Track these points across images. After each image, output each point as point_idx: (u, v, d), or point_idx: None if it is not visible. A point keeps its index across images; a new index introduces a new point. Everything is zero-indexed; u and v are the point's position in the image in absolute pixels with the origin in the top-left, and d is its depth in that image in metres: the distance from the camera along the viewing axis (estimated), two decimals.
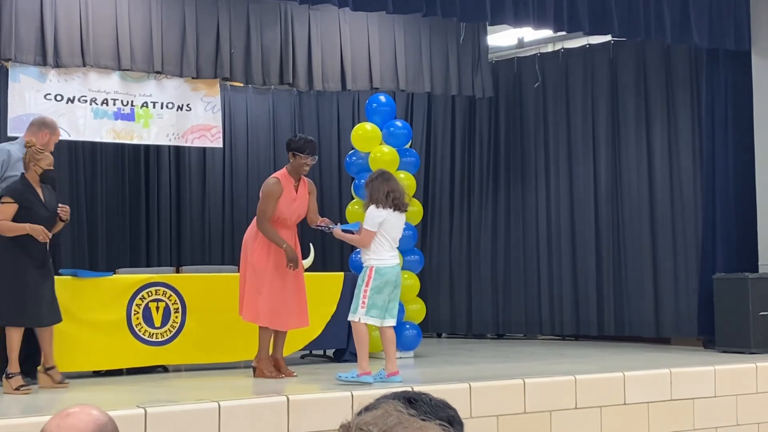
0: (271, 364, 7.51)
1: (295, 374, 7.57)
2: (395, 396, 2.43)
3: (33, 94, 8.59)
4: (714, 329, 9.40)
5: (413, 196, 9.63)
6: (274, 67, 9.30)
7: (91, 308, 7.66)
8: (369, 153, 9.36)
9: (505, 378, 7.05)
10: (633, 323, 10.64)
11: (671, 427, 7.40)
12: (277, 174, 7.66)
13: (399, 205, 7.07)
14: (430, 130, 12.08)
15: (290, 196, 7.52)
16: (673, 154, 10.45)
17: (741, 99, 9.60)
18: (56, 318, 6.83)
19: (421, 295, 9.66)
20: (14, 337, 6.62)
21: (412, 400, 2.42)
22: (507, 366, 8.46)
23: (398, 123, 9.60)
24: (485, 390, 6.73)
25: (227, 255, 11.62)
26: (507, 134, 11.69)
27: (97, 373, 7.61)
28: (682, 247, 10.34)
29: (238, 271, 8.03)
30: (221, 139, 9.75)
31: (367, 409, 1.71)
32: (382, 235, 7.02)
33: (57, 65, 8.49)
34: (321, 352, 9.08)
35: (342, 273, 9.02)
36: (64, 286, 7.64)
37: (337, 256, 11.77)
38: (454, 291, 11.79)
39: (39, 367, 6.84)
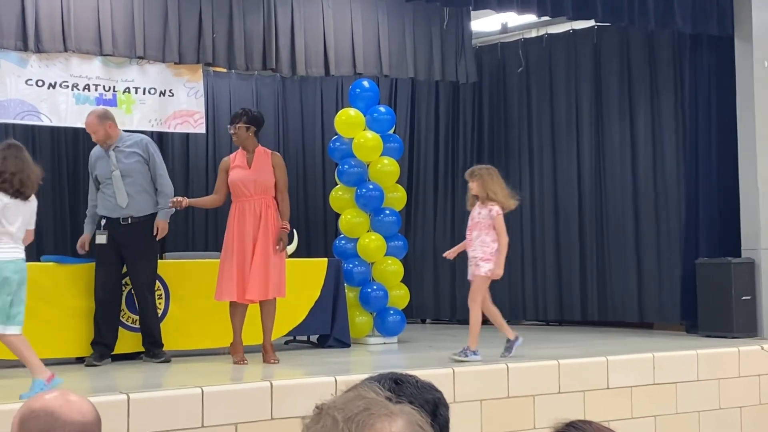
0: (239, 350, 7.49)
1: (273, 361, 7.49)
2: (381, 378, 2.43)
3: (14, 79, 8.52)
4: (697, 314, 9.45)
5: (397, 182, 9.64)
6: (257, 52, 9.25)
7: (74, 295, 7.63)
8: (353, 138, 9.34)
9: (489, 363, 7.07)
10: (616, 308, 10.68)
11: (654, 411, 7.43)
12: (233, 152, 7.84)
13: (22, 191, 5.99)
14: (414, 115, 12.07)
15: (240, 167, 7.60)
16: (657, 139, 10.46)
17: (724, 83, 9.62)
18: None
19: (405, 280, 9.66)
20: None
21: (399, 382, 2.43)
22: (490, 351, 8.46)
23: (382, 108, 9.58)
24: (469, 375, 6.75)
25: (210, 241, 11.58)
26: (491, 119, 11.69)
27: (81, 360, 7.57)
28: (665, 232, 10.36)
29: None
30: (204, 125, 9.70)
31: (348, 391, 1.70)
32: (2, 224, 5.92)
33: (38, 50, 8.42)
34: (305, 338, 9.07)
35: (326, 259, 9.02)
36: (47, 272, 7.62)
37: (321, 242, 11.75)
38: (438, 276, 11.79)
39: None
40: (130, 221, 7.61)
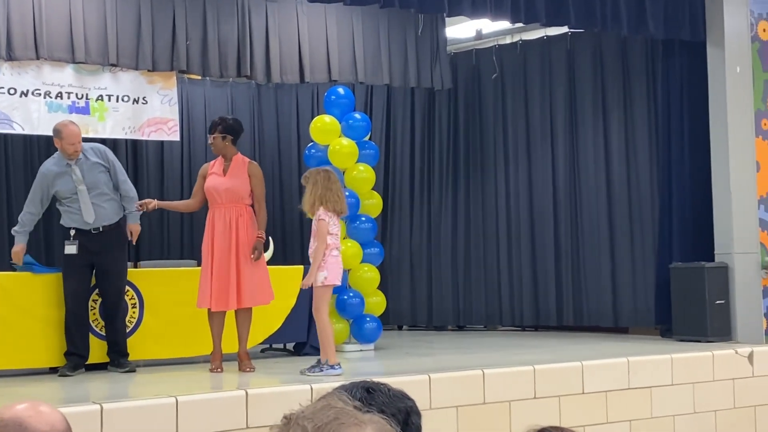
0: (216, 359, 7.49)
1: (249, 369, 7.47)
2: (353, 386, 2.42)
3: None
4: (671, 318, 9.50)
5: (373, 189, 9.64)
6: (231, 59, 9.23)
7: (47, 304, 7.57)
8: (328, 146, 9.33)
9: (465, 369, 7.07)
10: (591, 313, 10.71)
11: (629, 416, 7.45)
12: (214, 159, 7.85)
13: None
14: (390, 122, 12.07)
15: (216, 174, 7.64)
16: (630, 145, 10.51)
17: (696, 89, 9.67)
18: None
19: (382, 287, 9.65)
20: None
21: (370, 390, 2.41)
22: (467, 357, 8.48)
23: (357, 115, 9.58)
24: (445, 381, 6.74)
25: (186, 249, 11.53)
26: (466, 126, 11.71)
27: (54, 370, 7.52)
28: (639, 237, 10.41)
29: (198, 265, 8.02)
30: (178, 133, 9.66)
31: (318, 400, 1.69)
32: None
33: (10, 58, 8.36)
34: (281, 346, 9.05)
35: (302, 266, 8.98)
36: (20, 281, 7.57)
37: (298, 249, 11.72)
38: (415, 283, 11.80)
39: None
40: (101, 229, 7.56)
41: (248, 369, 7.46)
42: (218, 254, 7.43)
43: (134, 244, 7.73)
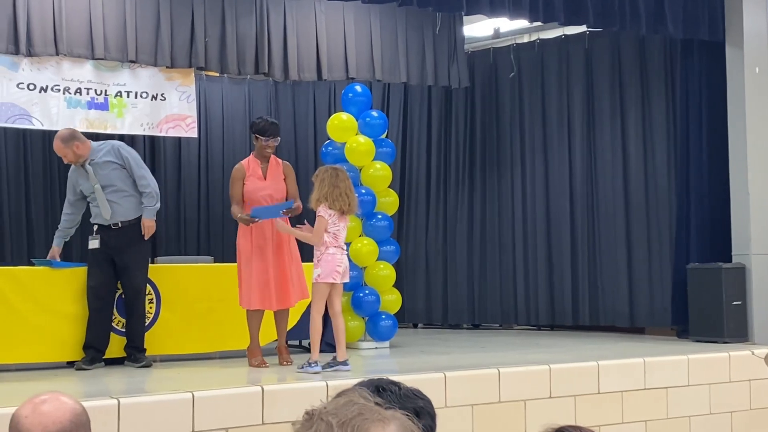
0: (257, 354, 7.55)
1: (288, 363, 7.58)
2: (367, 384, 2.42)
3: (5, 83, 8.51)
4: (688, 319, 9.46)
5: (389, 187, 9.64)
6: (249, 56, 9.25)
7: (65, 299, 7.62)
8: (345, 143, 9.34)
9: (480, 367, 7.07)
10: (607, 313, 10.69)
11: (645, 416, 7.44)
12: (244, 159, 7.76)
13: None
14: (406, 120, 12.07)
15: (256, 177, 7.59)
16: (648, 145, 10.49)
17: (715, 89, 9.64)
18: None
19: (397, 285, 9.66)
20: None
21: (381, 389, 2.40)
22: (482, 356, 8.47)
23: (374, 113, 9.59)
24: (460, 379, 6.74)
25: (203, 245, 11.58)
26: (483, 125, 11.70)
27: (71, 364, 7.56)
28: (656, 237, 10.39)
29: (215, 262, 8.06)
30: (196, 129, 9.69)
31: (338, 396, 1.70)
32: None
33: (29, 54, 8.41)
34: (297, 343, 9.06)
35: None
36: (38, 276, 7.61)
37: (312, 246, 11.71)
38: (430, 281, 11.80)
39: None
40: (120, 225, 7.61)
41: (287, 362, 7.58)
42: (264, 255, 7.46)
43: (146, 239, 7.72)
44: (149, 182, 7.75)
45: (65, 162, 7.75)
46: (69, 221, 7.90)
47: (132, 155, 7.79)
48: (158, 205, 7.74)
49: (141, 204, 7.71)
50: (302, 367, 7.04)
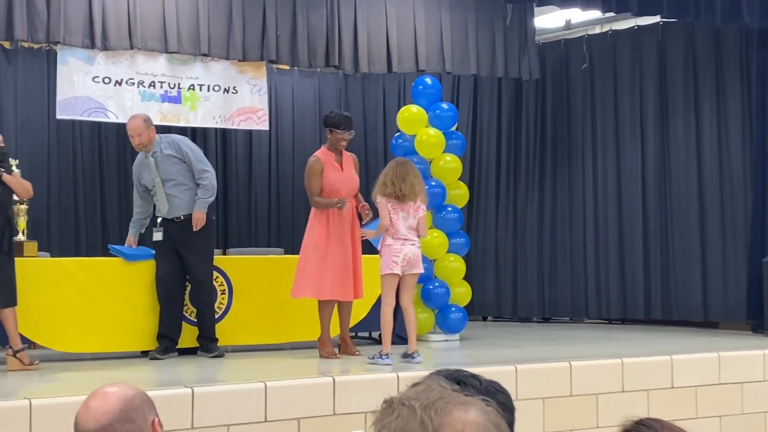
0: (328, 345, 7.61)
1: (358, 353, 7.67)
2: (445, 374, 2.40)
3: (81, 76, 8.67)
4: (763, 313, 9.30)
5: (459, 179, 9.62)
6: (320, 49, 9.30)
7: (139, 290, 7.74)
8: (415, 135, 9.34)
9: (551, 360, 7.03)
10: (680, 307, 10.55)
11: (719, 411, 7.33)
12: (317, 152, 7.78)
13: None
14: (477, 112, 12.03)
15: (334, 169, 7.63)
16: (722, 137, 10.32)
17: None
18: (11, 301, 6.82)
19: (467, 277, 9.64)
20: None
21: (461, 382, 2.38)
22: (553, 349, 8.42)
23: (444, 105, 9.57)
24: (531, 372, 6.71)
25: (273, 237, 11.67)
26: (554, 116, 11.62)
27: (146, 354, 7.68)
28: (730, 230, 10.22)
29: (286, 254, 8.11)
30: (267, 122, 9.78)
31: (414, 385, 1.71)
32: None
33: (105, 48, 8.55)
34: (367, 334, 9.09)
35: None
36: (113, 267, 7.74)
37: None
38: (500, 274, 11.76)
39: (8, 351, 6.85)
40: (182, 218, 7.70)
41: (356, 352, 7.66)
42: (343, 244, 7.52)
43: (208, 232, 7.77)
44: (208, 176, 7.78)
45: (135, 144, 7.73)
46: (141, 213, 8.02)
47: (193, 150, 7.84)
48: (212, 198, 7.77)
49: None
50: (373, 359, 7.06)
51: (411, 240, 7.27)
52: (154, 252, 7.83)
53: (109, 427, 2.52)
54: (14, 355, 6.79)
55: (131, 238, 7.98)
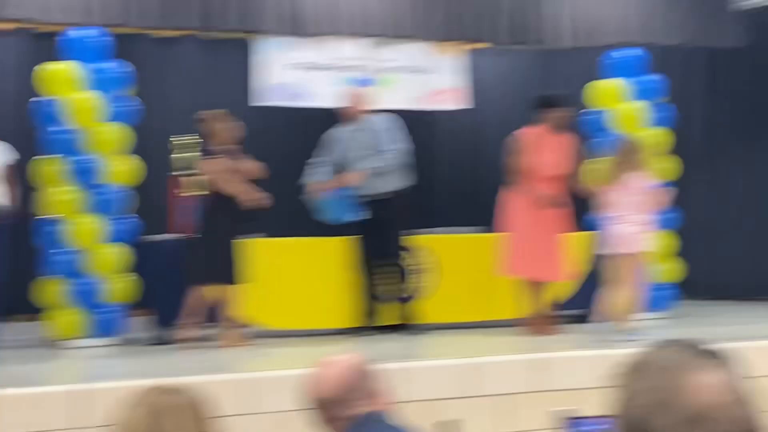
0: (538, 322, 7.57)
1: (555, 333, 7.58)
2: (684, 344, 2.27)
3: (279, 64, 8.84)
4: None
5: (668, 152, 9.30)
6: (520, 25, 9.15)
7: (338, 268, 7.94)
8: (613, 109, 9.18)
9: None
10: None
11: None
12: (526, 130, 7.73)
13: None
14: (682, 83, 11.51)
15: (540, 149, 7.54)
16: None
17: None
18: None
19: (680, 253, 9.30)
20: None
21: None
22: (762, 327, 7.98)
23: (647, 78, 9.32)
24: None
25: (474, 216, 11.59)
26: (760, 86, 11.00)
27: (345, 330, 7.84)
28: None
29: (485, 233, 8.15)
30: (466, 102, 9.71)
31: (650, 353, 1.65)
32: None
33: (304, 34, 8.66)
34: (575, 312, 8.88)
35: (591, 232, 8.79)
36: (315, 248, 8.08)
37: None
38: (713, 250, 11.15)
39: (222, 326, 7.17)
40: (382, 196, 7.83)
41: (556, 332, 7.58)
42: (545, 226, 7.52)
43: (401, 212, 7.87)
44: (398, 151, 7.92)
45: (352, 111, 7.98)
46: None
47: (390, 130, 7.97)
48: (383, 168, 7.84)
49: (398, 178, 7.86)
50: (625, 337, 6.84)
51: (623, 218, 7.16)
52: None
53: (343, 394, 2.64)
54: (229, 332, 7.05)
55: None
